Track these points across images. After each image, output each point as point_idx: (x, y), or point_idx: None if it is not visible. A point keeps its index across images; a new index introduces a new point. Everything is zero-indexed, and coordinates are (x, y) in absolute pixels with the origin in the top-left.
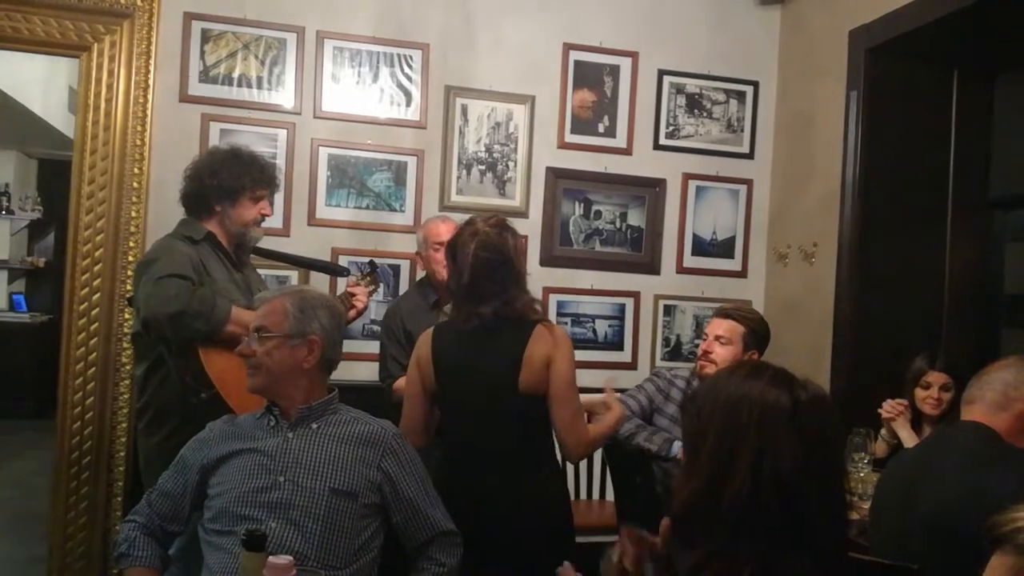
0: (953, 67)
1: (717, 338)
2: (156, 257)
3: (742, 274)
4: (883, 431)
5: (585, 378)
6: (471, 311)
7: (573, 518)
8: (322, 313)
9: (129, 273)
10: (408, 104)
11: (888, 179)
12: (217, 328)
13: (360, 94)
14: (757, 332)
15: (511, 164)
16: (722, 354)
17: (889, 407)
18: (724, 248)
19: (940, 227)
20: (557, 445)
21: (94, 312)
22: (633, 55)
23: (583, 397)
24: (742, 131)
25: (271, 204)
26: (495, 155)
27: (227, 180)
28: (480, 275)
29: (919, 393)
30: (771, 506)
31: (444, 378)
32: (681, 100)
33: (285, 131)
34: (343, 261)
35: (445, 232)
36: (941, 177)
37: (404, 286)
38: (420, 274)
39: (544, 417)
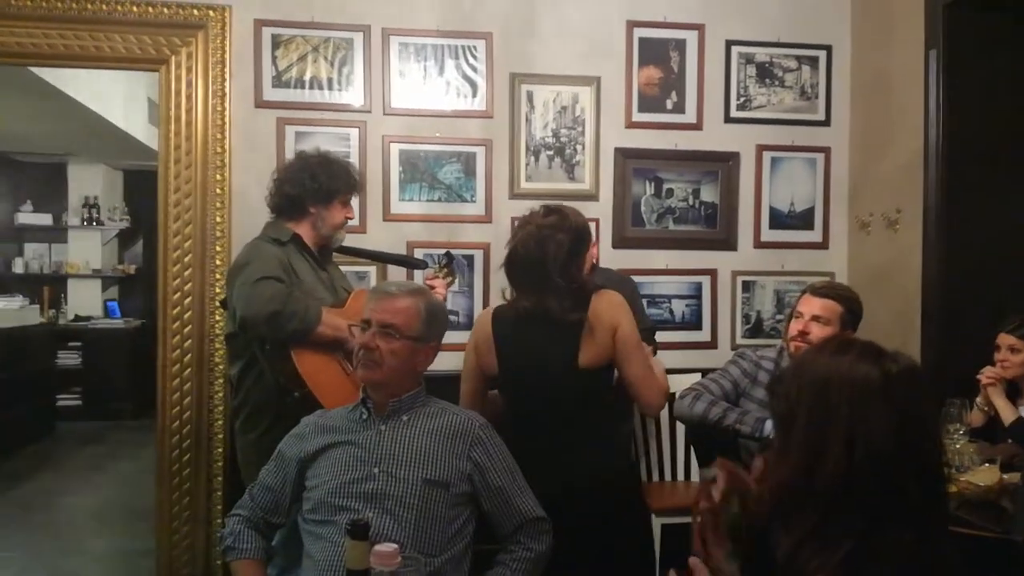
0: None
1: (815, 318)
2: (248, 260)
3: (823, 245)
4: (979, 399)
5: (664, 358)
6: (518, 298)
7: (641, 485)
8: (443, 320)
9: (218, 276)
10: (474, 95)
11: (973, 139)
12: (310, 328)
13: (427, 88)
14: (854, 311)
15: (579, 147)
16: (820, 335)
17: (991, 373)
18: (803, 219)
19: None
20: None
21: (187, 315)
22: (699, 27)
23: None
24: (816, 98)
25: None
26: (562, 139)
27: (325, 183)
28: (517, 268)
29: (995, 356)
30: (867, 483)
31: (505, 360)
32: (751, 70)
33: (356, 130)
34: (418, 254)
35: None
36: None
37: (479, 276)
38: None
39: (606, 388)
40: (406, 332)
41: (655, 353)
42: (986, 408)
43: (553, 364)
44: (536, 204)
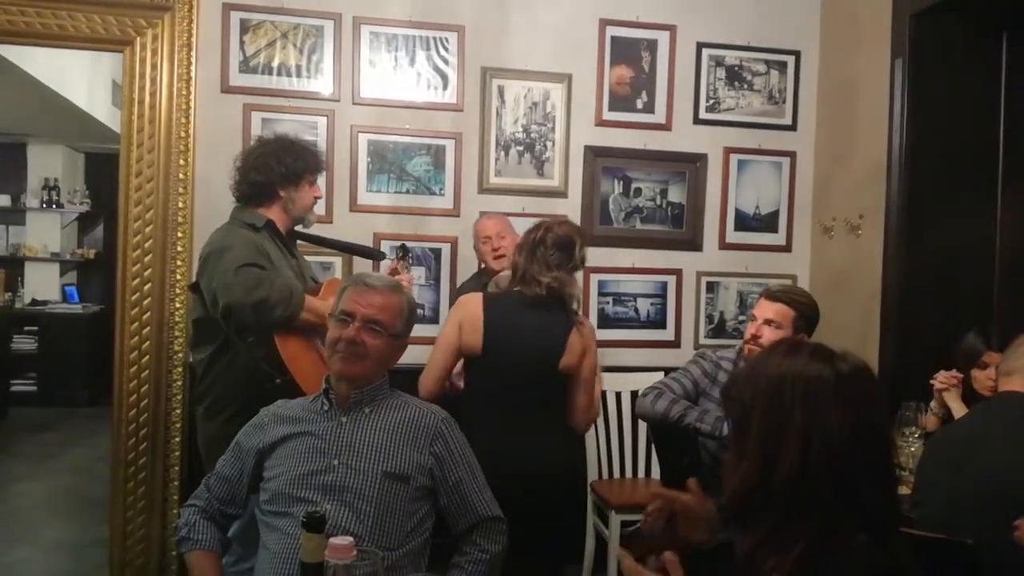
0: (1002, 29)
1: (767, 322)
2: (226, 246)
3: (786, 248)
4: (933, 404)
5: (627, 357)
6: (535, 279)
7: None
8: (415, 317)
9: (179, 263)
10: (445, 87)
11: (936, 148)
12: (295, 315)
13: (397, 79)
14: (807, 316)
15: (549, 144)
16: (772, 338)
17: (944, 378)
18: (768, 222)
19: (991, 196)
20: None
21: (146, 302)
22: (671, 28)
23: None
24: (784, 102)
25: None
26: (533, 135)
27: (292, 165)
28: (552, 246)
29: (976, 374)
30: (822, 482)
31: (492, 342)
32: (721, 73)
33: (325, 118)
34: (385, 246)
35: (490, 227)
36: (991, 144)
37: (445, 269)
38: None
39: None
40: (390, 329)
41: None
42: (939, 412)
43: (540, 356)
44: (506, 199)
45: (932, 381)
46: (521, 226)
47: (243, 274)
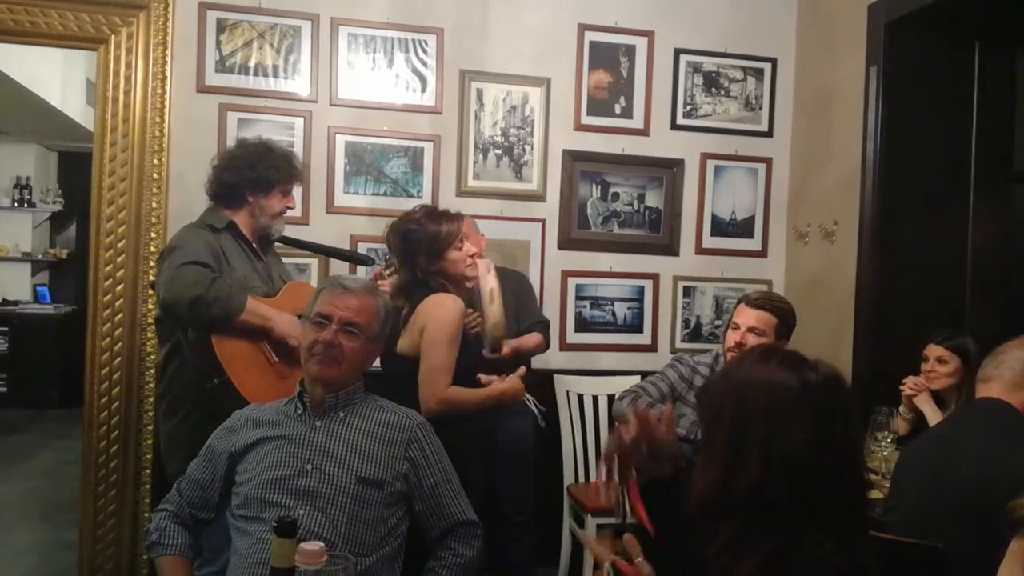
0: (974, 40)
1: (751, 329)
2: (177, 245)
3: (762, 254)
4: (902, 408)
5: (604, 360)
6: None
7: None
8: (391, 321)
9: (152, 264)
10: (423, 89)
11: (909, 155)
12: (233, 315)
13: (375, 80)
14: (788, 322)
15: (527, 148)
16: (754, 345)
17: (912, 384)
18: (743, 228)
19: (963, 203)
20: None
21: (118, 303)
22: (649, 34)
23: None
24: (760, 109)
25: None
26: (511, 139)
27: (264, 172)
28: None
29: (922, 367)
30: (783, 491)
31: None
32: (698, 79)
33: (302, 119)
34: (362, 248)
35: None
36: (963, 153)
37: None
38: None
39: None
40: (366, 331)
41: (547, 345)
42: (909, 416)
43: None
44: (485, 202)
45: (901, 387)
46: (499, 230)
47: (183, 271)
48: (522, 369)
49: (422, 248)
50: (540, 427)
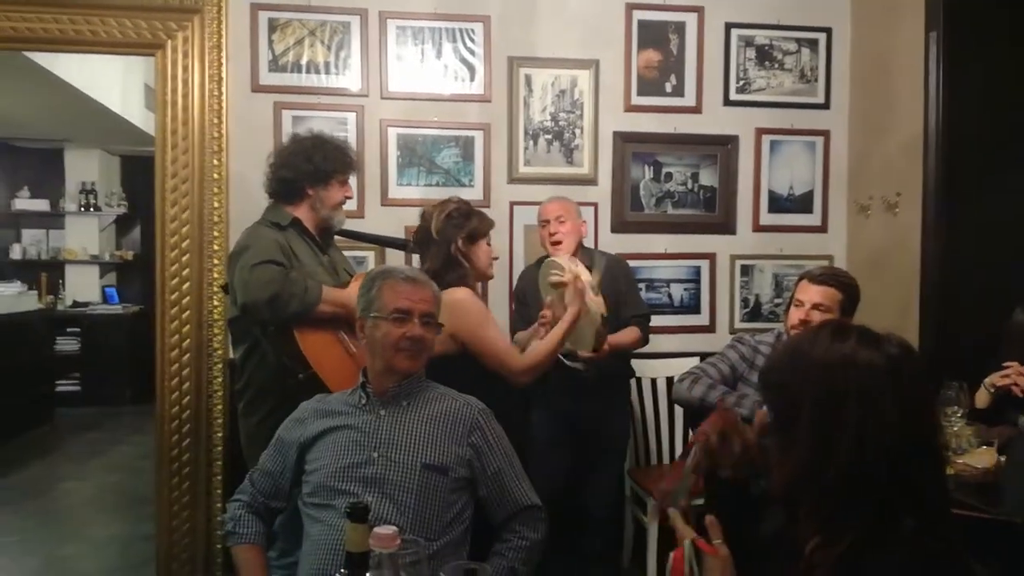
0: None
1: (816, 306)
2: (247, 245)
3: (822, 229)
4: (988, 380)
5: (662, 343)
6: None
7: None
8: None
9: (216, 262)
10: (472, 78)
11: (973, 122)
12: (311, 308)
13: (424, 72)
14: (853, 297)
15: (578, 132)
16: (821, 322)
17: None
18: (802, 203)
19: None
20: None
21: (185, 301)
22: (699, 10)
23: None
24: (816, 81)
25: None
26: (561, 123)
27: (321, 164)
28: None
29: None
30: (879, 472)
31: None
32: (751, 53)
33: (354, 114)
34: None
35: (550, 210)
36: None
37: None
38: None
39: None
40: (438, 320)
41: (647, 340)
42: (993, 389)
43: None
44: (536, 188)
45: (1004, 372)
46: None
47: (258, 271)
48: (582, 281)
49: (463, 230)
50: (584, 373)
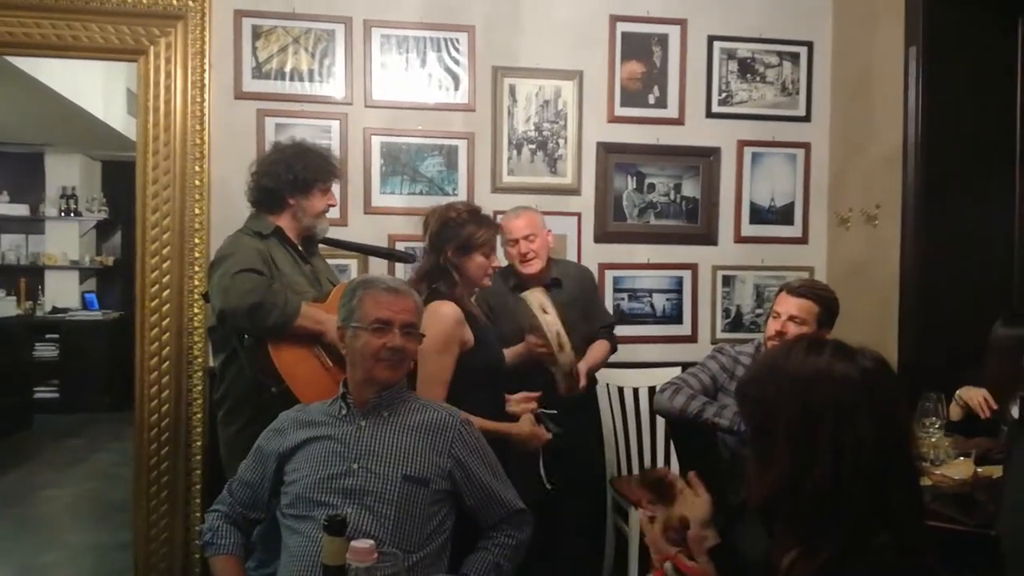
0: (1017, 15)
1: (791, 318)
2: (228, 253)
3: (803, 240)
4: (959, 393)
5: (644, 353)
6: None
7: None
8: None
9: (197, 269)
10: (456, 87)
11: (953, 135)
12: (290, 321)
13: (409, 80)
14: (831, 310)
15: (561, 142)
16: (797, 335)
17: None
18: (783, 215)
19: (1008, 183)
20: None
21: (165, 308)
22: (681, 22)
23: None
24: (797, 94)
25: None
26: (545, 133)
27: (301, 173)
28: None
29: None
30: (855, 486)
31: None
32: (733, 66)
33: (338, 122)
34: (400, 247)
35: (516, 228)
36: (1008, 131)
37: None
38: None
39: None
40: (420, 330)
41: (614, 349)
42: (962, 403)
43: None
44: (520, 198)
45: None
46: None
47: (239, 279)
48: (529, 416)
49: (456, 240)
50: (551, 432)
